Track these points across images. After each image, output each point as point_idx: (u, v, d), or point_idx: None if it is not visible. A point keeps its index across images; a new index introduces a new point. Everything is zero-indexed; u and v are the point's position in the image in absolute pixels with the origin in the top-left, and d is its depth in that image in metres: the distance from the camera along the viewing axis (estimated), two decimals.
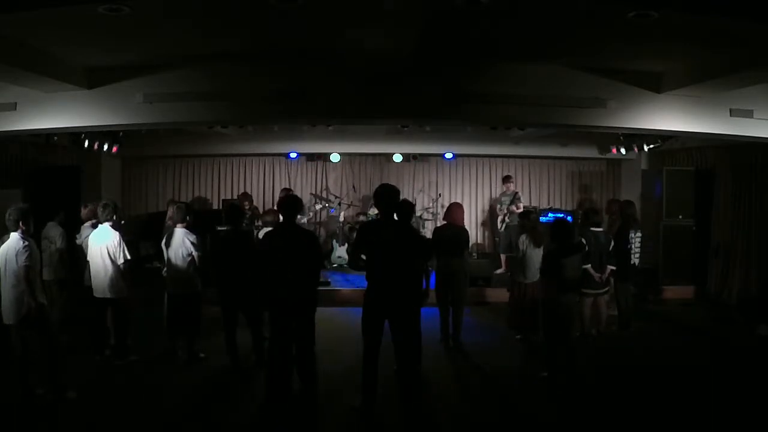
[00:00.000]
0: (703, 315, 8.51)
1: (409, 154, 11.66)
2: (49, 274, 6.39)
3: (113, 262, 5.74)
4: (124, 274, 5.78)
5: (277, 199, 11.08)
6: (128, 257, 5.78)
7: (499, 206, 10.76)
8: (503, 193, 10.61)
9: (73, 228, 6.66)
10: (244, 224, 6.61)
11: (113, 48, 5.40)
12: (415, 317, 5.03)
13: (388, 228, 4.85)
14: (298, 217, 10.38)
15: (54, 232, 6.57)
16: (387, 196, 4.93)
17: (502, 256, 10.03)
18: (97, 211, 5.92)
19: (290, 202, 5.10)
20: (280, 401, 4.78)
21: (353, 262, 5.00)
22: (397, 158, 11.63)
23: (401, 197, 5.21)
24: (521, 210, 10.00)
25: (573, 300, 5.86)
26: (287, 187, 11.43)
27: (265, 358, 5.83)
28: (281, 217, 5.20)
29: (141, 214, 11.71)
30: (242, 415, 4.83)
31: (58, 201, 7.03)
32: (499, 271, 9.64)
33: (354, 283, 8.90)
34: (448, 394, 5.39)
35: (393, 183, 11.99)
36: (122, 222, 5.90)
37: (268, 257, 4.89)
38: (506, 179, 10.69)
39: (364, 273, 4.86)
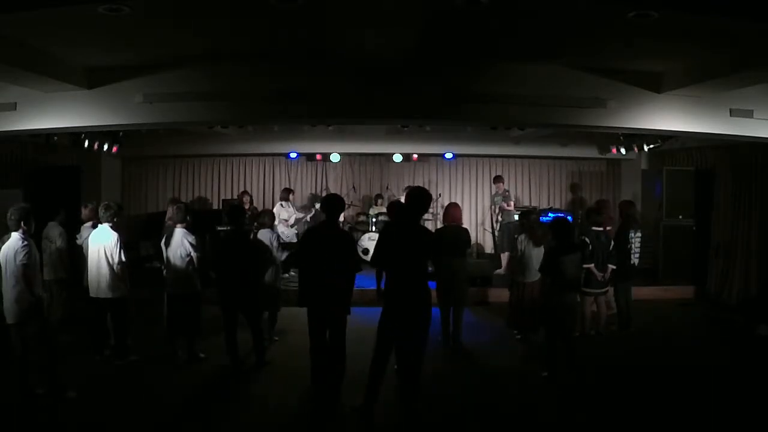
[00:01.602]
0: (703, 315, 8.52)
1: (409, 154, 11.68)
2: (49, 273, 6.38)
3: (111, 262, 5.73)
4: (120, 275, 5.78)
5: (277, 199, 11.11)
6: (123, 259, 5.76)
7: (491, 206, 10.84)
8: (495, 194, 10.71)
9: (73, 228, 6.66)
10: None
11: (113, 48, 5.40)
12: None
13: (395, 228, 4.86)
14: (301, 215, 10.49)
15: (54, 231, 6.57)
16: (410, 198, 4.90)
17: (503, 256, 10.05)
18: (99, 211, 5.92)
19: (332, 202, 5.14)
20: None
21: (375, 262, 4.99)
22: (397, 158, 11.64)
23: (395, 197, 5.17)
24: (511, 207, 10.09)
25: (573, 299, 5.87)
26: (288, 187, 11.43)
27: (263, 360, 5.88)
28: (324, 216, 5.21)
29: (141, 214, 11.72)
30: (242, 415, 4.83)
31: (58, 201, 7.03)
32: (498, 271, 9.65)
33: (355, 283, 8.86)
34: (448, 394, 5.39)
35: (393, 183, 12.14)
36: (116, 217, 5.88)
37: (304, 255, 4.98)
38: (497, 179, 10.84)
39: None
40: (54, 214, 6.68)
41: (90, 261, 5.84)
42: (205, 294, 6.14)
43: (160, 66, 6.05)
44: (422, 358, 4.76)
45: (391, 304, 4.71)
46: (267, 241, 6.51)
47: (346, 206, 11.51)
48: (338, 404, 4.95)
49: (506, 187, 10.83)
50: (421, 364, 4.75)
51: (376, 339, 4.76)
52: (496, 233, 10.76)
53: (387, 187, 11.80)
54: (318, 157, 11.83)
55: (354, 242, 5.33)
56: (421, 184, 12.17)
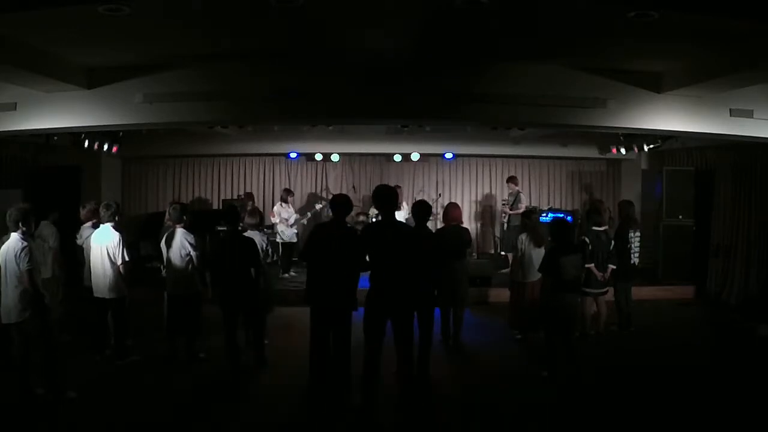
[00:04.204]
0: (703, 315, 8.52)
1: (408, 154, 11.68)
2: (44, 272, 6.36)
3: (113, 262, 5.74)
4: (123, 274, 5.78)
5: (277, 199, 11.12)
6: (126, 258, 5.78)
7: (503, 205, 10.86)
8: (510, 194, 10.70)
9: (72, 228, 6.65)
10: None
11: (113, 48, 5.40)
12: (428, 318, 5.12)
13: (389, 229, 4.86)
14: (297, 216, 10.50)
15: (47, 231, 6.57)
16: (386, 197, 4.96)
17: (509, 256, 10.04)
18: (100, 211, 5.92)
19: (340, 202, 5.21)
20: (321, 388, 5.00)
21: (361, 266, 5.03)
22: (397, 158, 11.64)
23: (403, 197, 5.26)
24: (521, 210, 10.07)
25: (574, 299, 5.87)
26: (288, 188, 11.43)
27: (263, 360, 5.88)
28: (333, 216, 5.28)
29: (140, 214, 11.71)
30: (242, 415, 4.83)
31: (58, 201, 7.03)
32: (505, 271, 9.64)
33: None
34: (448, 394, 5.39)
35: (393, 183, 12.13)
36: (117, 216, 5.88)
37: (312, 252, 5.01)
38: (510, 179, 10.79)
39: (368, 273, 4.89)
40: (47, 213, 6.68)
41: (93, 261, 5.84)
42: (205, 294, 6.13)
43: (160, 66, 6.05)
44: (412, 350, 4.81)
45: (371, 302, 4.77)
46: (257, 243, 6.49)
47: None
48: (342, 403, 4.95)
49: (519, 188, 10.75)
50: (425, 366, 4.76)
51: (364, 338, 4.80)
52: (503, 232, 10.75)
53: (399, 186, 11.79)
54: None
55: (357, 240, 5.37)
56: (421, 184, 12.24)
